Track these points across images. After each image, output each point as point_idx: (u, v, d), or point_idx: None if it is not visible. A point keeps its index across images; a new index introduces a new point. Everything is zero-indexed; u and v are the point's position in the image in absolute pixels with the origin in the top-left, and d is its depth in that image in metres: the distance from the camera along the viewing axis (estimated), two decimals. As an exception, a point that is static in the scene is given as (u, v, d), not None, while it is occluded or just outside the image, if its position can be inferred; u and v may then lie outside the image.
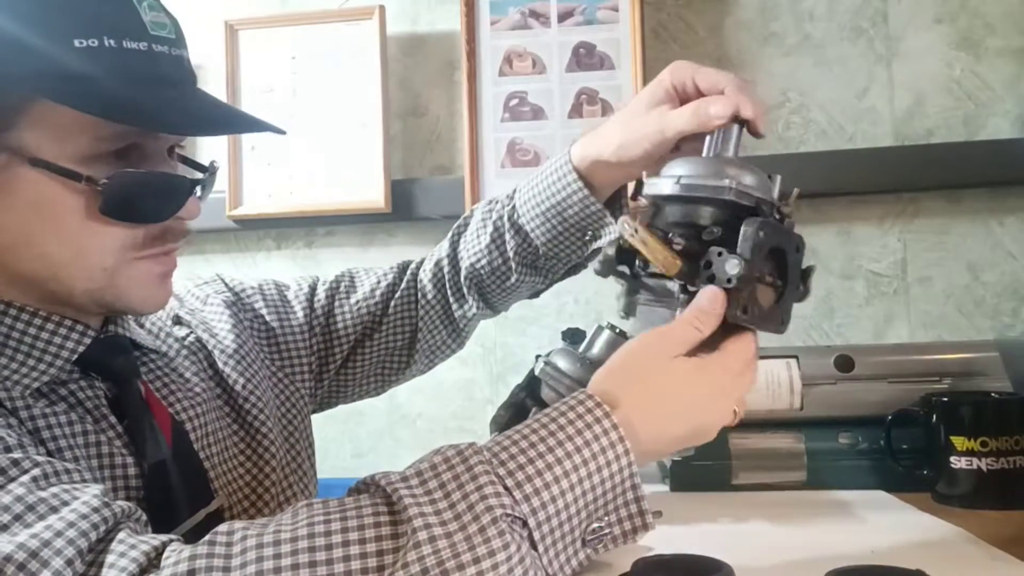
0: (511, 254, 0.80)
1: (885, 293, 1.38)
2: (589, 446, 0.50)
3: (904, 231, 1.38)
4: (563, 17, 1.42)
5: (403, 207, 1.44)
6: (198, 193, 0.64)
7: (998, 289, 1.36)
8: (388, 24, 1.46)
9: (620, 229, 0.60)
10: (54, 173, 0.56)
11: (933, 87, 1.37)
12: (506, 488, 0.48)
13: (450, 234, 0.87)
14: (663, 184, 0.62)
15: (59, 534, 0.45)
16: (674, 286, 0.61)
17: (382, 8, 1.45)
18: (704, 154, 0.64)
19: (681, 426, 0.57)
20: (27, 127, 0.56)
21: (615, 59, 1.40)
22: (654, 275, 0.63)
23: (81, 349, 0.62)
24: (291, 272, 1.51)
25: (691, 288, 0.59)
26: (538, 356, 0.90)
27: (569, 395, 0.55)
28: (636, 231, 0.58)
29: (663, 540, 0.73)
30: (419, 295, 0.88)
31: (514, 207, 0.80)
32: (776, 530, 0.82)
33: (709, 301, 0.57)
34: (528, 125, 1.41)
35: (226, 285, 0.84)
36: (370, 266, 0.93)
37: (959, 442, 0.87)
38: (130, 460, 0.62)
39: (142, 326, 0.71)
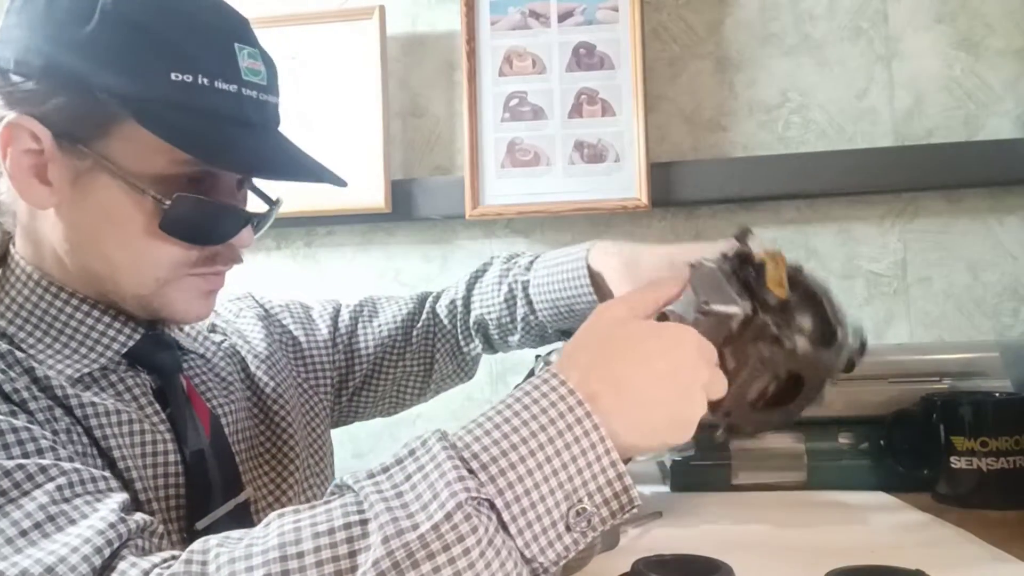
0: (519, 319, 0.87)
1: (885, 293, 1.38)
2: (555, 423, 0.49)
3: (904, 231, 1.38)
4: (563, 17, 1.42)
5: (403, 207, 1.44)
6: (254, 223, 0.69)
7: (998, 289, 1.36)
8: (388, 24, 1.46)
9: (758, 242, 0.64)
10: (128, 186, 0.62)
11: (933, 87, 1.38)
12: (470, 471, 0.47)
13: (467, 277, 0.93)
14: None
15: (75, 550, 0.47)
16: (737, 310, 0.62)
17: (382, 8, 1.45)
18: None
19: (656, 410, 0.54)
20: (115, 140, 0.62)
21: (615, 59, 1.40)
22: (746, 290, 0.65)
23: (131, 343, 0.67)
24: (291, 272, 1.51)
25: (757, 314, 0.61)
26: (538, 356, 0.90)
27: (534, 376, 0.54)
28: (778, 251, 0.63)
29: (663, 540, 0.73)
30: (436, 328, 0.93)
31: (529, 281, 0.86)
32: (776, 530, 0.82)
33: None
34: (528, 125, 1.41)
35: (256, 302, 0.90)
36: (386, 292, 0.99)
37: (959, 442, 0.87)
38: (172, 447, 0.66)
39: (182, 330, 0.76)
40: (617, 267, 0.79)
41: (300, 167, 0.68)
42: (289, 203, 1.46)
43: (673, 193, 1.38)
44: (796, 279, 0.65)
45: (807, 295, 0.65)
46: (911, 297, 1.38)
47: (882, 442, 0.94)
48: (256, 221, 0.70)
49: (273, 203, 0.74)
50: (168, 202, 0.62)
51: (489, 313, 0.89)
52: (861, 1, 1.39)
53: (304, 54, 1.47)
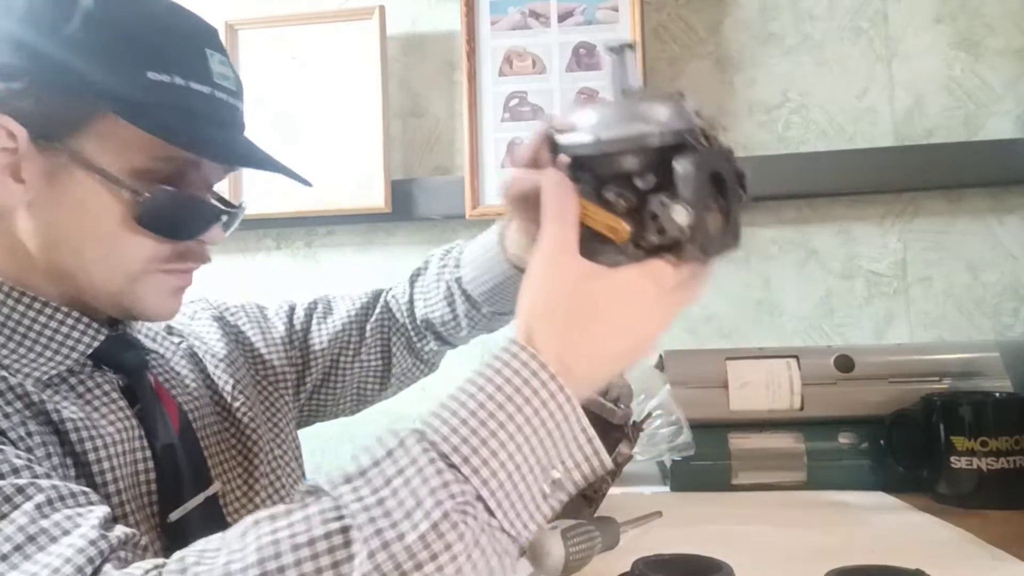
0: (462, 316, 0.87)
1: (885, 293, 1.38)
2: (530, 402, 0.49)
3: (904, 231, 1.38)
4: (563, 17, 1.42)
5: (403, 207, 1.44)
6: (223, 220, 0.71)
7: (998, 289, 1.36)
8: (388, 24, 1.46)
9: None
10: (105, 180, 0.63)
11: (933, 87, 1.38)
12: (452, 465, 0.47)
13: (409, 276, 0.93)
14: (581, 140, 0.57)
15: (56, 571, 0.47)
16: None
17: (382, 8, 1.45)
18: (611, 86, 0.60)
19: (614, 343, 0.53)
20: (92, 136, 0.63)
21: (615, 59, 1.40)
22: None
23: (96, 344, 0.67)
24: (291, 271, 1.51)
25: (642, 244, 0.54)
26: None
27: (500, 348, 0.52)
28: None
29: (663, 540, 0.73)
30: (390, 322, 0.94)
31: (462, 278, 0.85)
32: (776, 530, 0.82)
33: (552, 187, 0.55)
34: (528, 125, 1.41)
35: (211, 304, 0.90)
36: (348, 290, 0.98)
37: (959, 442, 0.87)
38: (140, 444, 0.67)
39: (138, 332, 0.76)
40: (519, 228, 0.75)
41: (272, 162, 0.71)
42: (289, 203, 1.48)
43: (673, 193, 1.38)
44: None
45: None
46: (911, 297, 1.38)
47: (882, 442, 0.94)
48: (226, 219, 0.72)
49: (236, 207, 0.75)
50: (147, 195, 0.63)
51: (432, 313, 0.89)
52: (861, 1, 1.39)
53: (304, 54, 1.46)
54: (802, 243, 1.40)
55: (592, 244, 0.55)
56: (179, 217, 0.67)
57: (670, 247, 0.54)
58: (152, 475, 0.66)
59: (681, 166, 0.53)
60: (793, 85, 1.40)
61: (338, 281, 1.49)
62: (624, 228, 0.55)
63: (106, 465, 0.63)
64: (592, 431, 0.52)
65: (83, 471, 0.61)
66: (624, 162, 0.56)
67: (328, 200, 1.45)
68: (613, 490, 0.85)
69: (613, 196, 0.55)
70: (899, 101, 1.38)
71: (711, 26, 1.42)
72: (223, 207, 0.72)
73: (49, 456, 0.59)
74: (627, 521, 0.77)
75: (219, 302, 0.91)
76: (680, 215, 0.53)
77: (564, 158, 0.59)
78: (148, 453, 0.67)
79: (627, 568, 0.56)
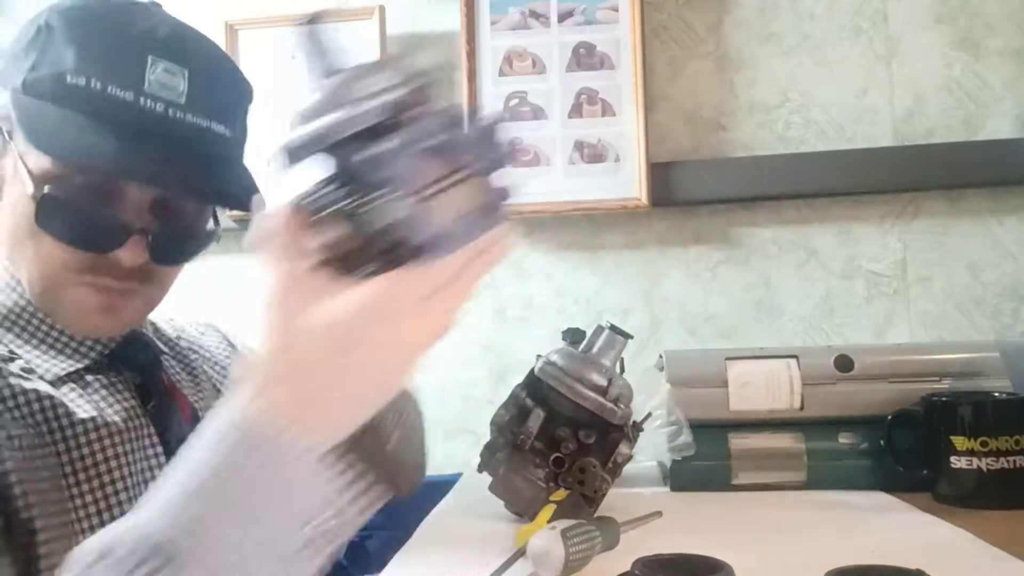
0: None
1: (885, 293, 1.38)
2: (268, 484, 0.42)
3: (904, 231, 1.38)
4: (563, 17, 1.42)
5: (403, 207, 1.44)
6: (149, 242, 0.65)
7: (998, 289, 1.36)
8: (388, 24, 1.46)
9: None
10: (27, 180, 0.64)
11: (933, 87, 1.38)
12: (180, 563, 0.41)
13: None
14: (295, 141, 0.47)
15: None
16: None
17: (382, 8, 1.45)
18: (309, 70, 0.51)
19: (361, 379, 0.44)
20: (21, 133, 0.64)
21: (615, 59, 1.40)
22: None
23: (112, 346, 0.70)
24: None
25: (378, 252, 0.44)
26: (538, 356, 0.90)
27: (216, 428, 0.44)
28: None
29: (663, 540, 0.73)
30: None
31: None
32: (776, 530, 0.82)
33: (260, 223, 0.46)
34: (528, 125, 1.41)
35: (220, 331, 0.92)
36: None
37: (959, 442, 0.87)
38: (149, 440, 0.69)
39: (151, 334, 0.79)
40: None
41: (189, 182, 0.66)
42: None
43: (673, 193, 1.38)
44: None
45: None
46: (911, 297, 1.38)
47: (882, 442, 0.94)
48: (153, 239, 0.66)
49: (208, 234, 0.73)
50: (40, 196, 0.63)
51: None
52: (861, 1, 1.39)
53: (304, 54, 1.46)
54: (802, 243, 1.40)
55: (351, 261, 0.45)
56: (70, 226, 0.65)
57: (401, 249, 0.43)
58: (165, 466, 0.67)
59: (372, 152, 0.43)
60: (793, 85, 1.40)
61: (338, 281, 1.49)
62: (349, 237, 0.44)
63: (113, 464, 0.65)
64: (331, 472, 0.43)
65: (93, 472, 0.64)
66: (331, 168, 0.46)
67: (328, 200, 1.45)
68: (613, 490, 0.85)
69: (331, 207, 0.45)
70: (899, 101, 1.38)
71: (711, 26, 1.42)
72: (143, 228, 0.65)
73: (37, 463, 0.61)
74: (627, 521, 0.77)
75: (229, 333, 0.93)
76: (387, 211, 0.42)
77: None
78: (159, 449, 0.69)
79: (627, 568, 0.56)
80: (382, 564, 0.74)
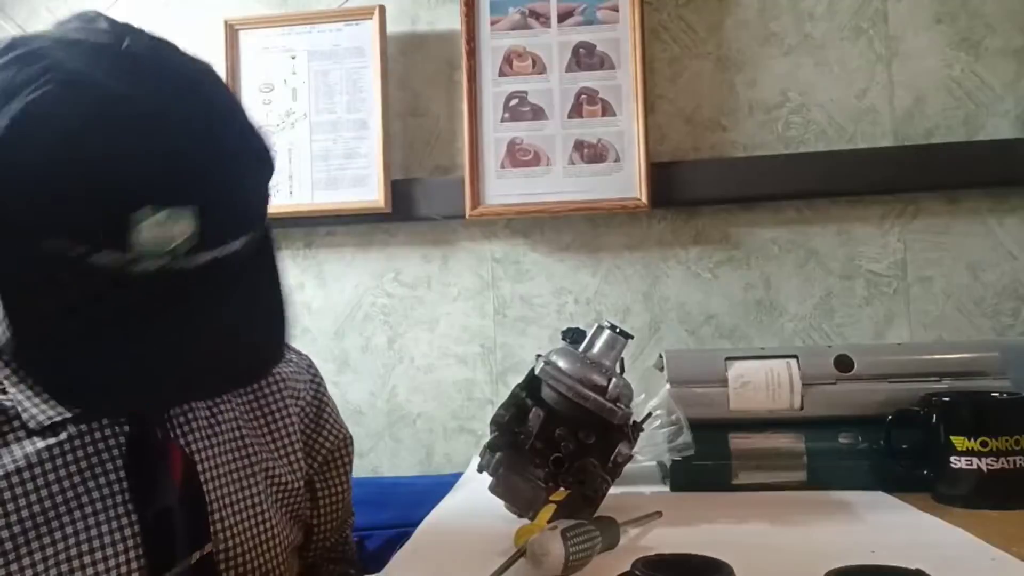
0: None
1: (885, 293, 1.38)
2: None
3: (904, 231, 1.38)
4: (563, 17, 1.42)
5: (403, 207, 1.44)
6: None
7: (998, 289, 1.36)
8: (388, 24, 1.46)
9: None
10: None
11: (933, 87, 1.38)
12: None
13: None
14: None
15: None
16: None
17: (382, 8, 1.45)
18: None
19: None
20: None
21: (615, 59, 1.40)
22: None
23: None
24: (291, 272, 1.51)
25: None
26: (538, 356, 0.90)
27: None
28: None
29: (663, 540, 0.73)
30: None
31: None
32: (776, 530, 0.82)
33: None
34: (528, 125, 1.41)
35: (316, 378, 0.84)
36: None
37: (959, 442, 0.87)
38: (127, 520, 0.62)
39: None
40: None
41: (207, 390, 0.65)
42: (289, 203, 1.48)
43: (673, 193, 1.38)
44: None
45: None
46: (911, 297, 1.38)
47: (882, 442, 0.94)
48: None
49: None
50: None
51: None
52: (861, 1, 1.40)
53: (304, 54, 1.46)
54: (802, 243, 1.40)
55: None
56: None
57: None
58: (139, 543, 0.62)
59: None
60: (793, 85, 1.40)
61: (338, 281, 1.49)
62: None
63: (85, 548, 0.59)
64: None
65: (63, 557, 0.59)
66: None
67: (328, 200, 1.45)
68: (613, 490, 0.85)
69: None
70: (899, 101, 1.38)
71: (711, 26, 1.42)
72: None
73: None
74: (627, 521, 0.77)
75: (327, 398, 0.84)
76: None
77: None
78: (136, 528, 0.61)
79: (627, 568, 0.56)
80: (382, 564, 0.74)
